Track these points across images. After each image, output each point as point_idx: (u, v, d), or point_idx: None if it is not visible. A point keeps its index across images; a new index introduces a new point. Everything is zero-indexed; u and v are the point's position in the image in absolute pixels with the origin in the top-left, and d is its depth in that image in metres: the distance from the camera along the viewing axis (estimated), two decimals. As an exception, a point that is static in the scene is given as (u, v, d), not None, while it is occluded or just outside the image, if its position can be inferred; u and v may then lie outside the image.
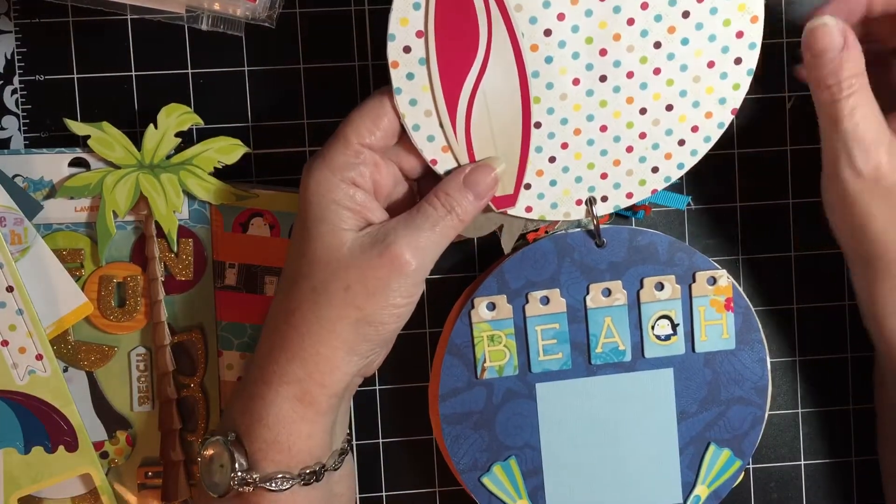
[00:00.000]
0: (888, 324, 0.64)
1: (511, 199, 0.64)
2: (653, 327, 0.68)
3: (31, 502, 0.69)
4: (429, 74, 0.60)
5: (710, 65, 0.63)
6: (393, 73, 0.60)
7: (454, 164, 0.63)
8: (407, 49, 0.60)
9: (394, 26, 0.59)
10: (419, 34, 0.59)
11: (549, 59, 0.61)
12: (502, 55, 0.60)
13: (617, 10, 0.60)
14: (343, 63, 0.69)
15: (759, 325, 0.68)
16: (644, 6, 0.61)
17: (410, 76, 0.60)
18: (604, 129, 0.63)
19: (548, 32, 0.61)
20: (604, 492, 0.69)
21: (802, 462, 0.74)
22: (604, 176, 0.65)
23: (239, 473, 0.60)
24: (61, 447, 0.68)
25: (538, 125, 0.63)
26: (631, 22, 0.61)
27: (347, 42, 0.69)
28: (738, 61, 0.62)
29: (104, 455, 0.70)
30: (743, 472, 0.70)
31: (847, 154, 0.61)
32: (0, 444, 0.68)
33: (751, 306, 0.68)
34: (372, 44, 0.69)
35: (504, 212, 0.65)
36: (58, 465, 0.68)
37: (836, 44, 0.59)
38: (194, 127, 0.68)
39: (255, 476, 0.60)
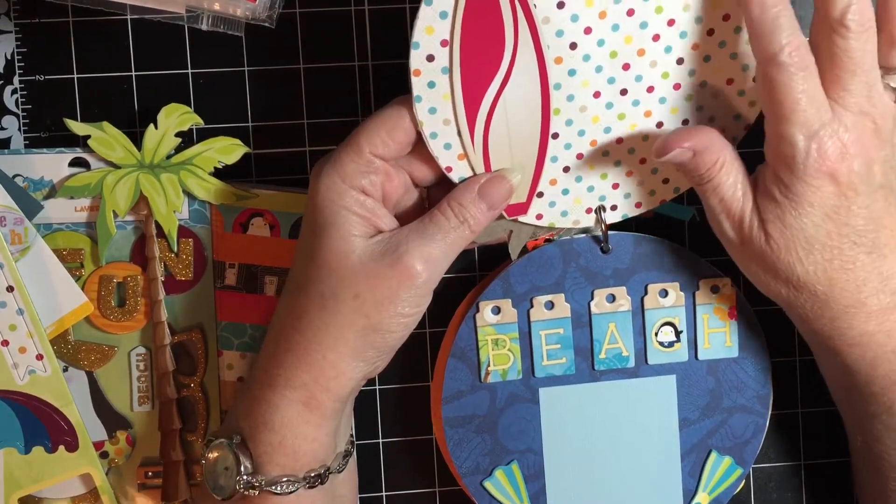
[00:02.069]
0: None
1: (523, 207, 0.64)
2: (656, 334, 0.68)
3: (31, 502, 0.69)
4: (451, 83, 0.60)
5: (730, 82, 0.62)
6: (414, 81, 0.59)
7: (469, 173, 0.62)
8: (430, 58, 0.59)
9: (419, 34, 0.58)
10: (444, 43, 0.59)
11: (572, 72, 0.61)
12: (526, 67, 0.60)
13: (644, 25, 0.60)
14: (343, 63, 0.69)
15: (763, 334, 0.68)
16: (671, 23, 0.60)
17: (432, 84, 0.60)
18: (620, 141, 0.63)
19: (573, 46, 0.60)
20: (605, 497, 0.69)
21: (802, 462, 0.74)
22: (615, 186, 0.65)
23: (244, 477, 0.60)
24: (61, 447, 0.68)
25: (556, 136, 0.62)
26: (656, 38, 0.61)
27: (347, 42, 0.68)
28: (755, 79, 0.62)
29: (104, 455, 0.70)
30: (744, 480, 0.70)
31: (718, 222, 0.62)
32: (0, 444, 0.68)
33: (754, 315, 0.68)
34: (372, 44, 0.68)
35: (515, 219, 0.64)
36: (58, 465, 0.68)
37: (686, 158, 0.61)
38: (194, 127, 0.68)
39: (260, 479, 0.60)
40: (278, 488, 0.60)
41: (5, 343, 0.67)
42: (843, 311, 0.61)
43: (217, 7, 0.62)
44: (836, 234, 0.59)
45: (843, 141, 0.58)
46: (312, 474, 0.61)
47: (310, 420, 0.61)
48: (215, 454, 0.62)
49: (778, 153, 0.59)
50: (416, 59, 0.59)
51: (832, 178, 0.58)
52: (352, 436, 0.67)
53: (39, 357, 0.67)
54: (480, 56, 0.59)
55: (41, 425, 0.68)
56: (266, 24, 0.63)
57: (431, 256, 0.60)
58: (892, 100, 0.59)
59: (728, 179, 0.61)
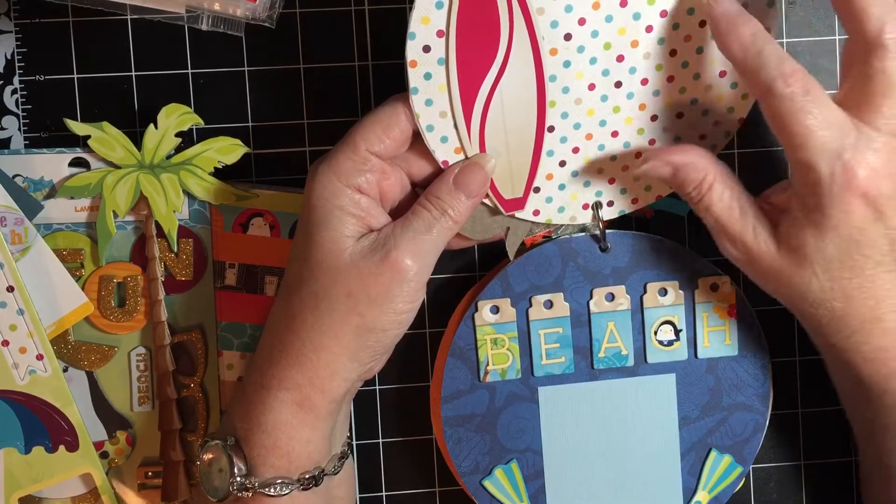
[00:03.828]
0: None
1: (520, 202, 0.64)
2: (655, 332, 0.68)
3: (31, 502, 0.69)
4: (447, 75, 0.60)
5: (722, 74, 0.63)
6: (410, 72, 0.60)
7: None
8: (426, 48, 0.59)
9: (415, 25, 0.59)
10: (440, 34, 0.59)
11: (567, 64, 0.61)
12: (522, 58, 0.60)
13: (637, 16, 0.60)
14: (343, 63, 0.69)
15: (762, 332, 0.68)
16: (663, 14, 0.61)
17: (428, 76, 0.60)
18: (615, 134, 0.63)
19: (568, 37, 0.60)
20: (605, 496, 0.69)
21: (802, 462, 0.74)
22: (611, 181, 0.65)
23: (238, 478, 0.60)
24: (62, 447, 0.68)
25: (551, 129, 0.62)
26: (649, 29, 0.61)
27: (347, 42, 0.68)
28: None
29: (104, 455, 0.69)
30: (744, 479, 0.70)
31: (720, 242, 0.62)
32: (1, 444, 0.68)
33: (754, 313, 0.68)
34: (372, 44, 0.68)
35: (512, 215, 0.64)
36: (58, 464, 0.68)
37: (665, 172, 0.61)
38: (194, 127, 0.68)
39: (254, 481, 0.60)
40: (272, 490, 0.60)
41: (6, 343, 0.67)
42: (859, 327, 0.60)
43: (217, 7, 0.62)
44: (857, 254, 0.58)
45: (870, 163, 0.56)
46: (307, 476, 0.61)
47: (304, 421, 0.61)
48: (210, 455, 0.62)
49: (801, 179, 0.58)
50: (412, 50, 0.59)
51: (860, 201, 0.57)
52: (349, 437, 0.67)
53: (40, 357, 0.67)
54: (476, 47, 0.59)
55: (41, 425, 0.68)
56: (266, 24, 0.63)
57: (419, 251, 0.60)
58: None
59: (721, 200, 0.60)
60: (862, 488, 0.71)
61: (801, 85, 0.56)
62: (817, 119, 0.56)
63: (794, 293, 0.60)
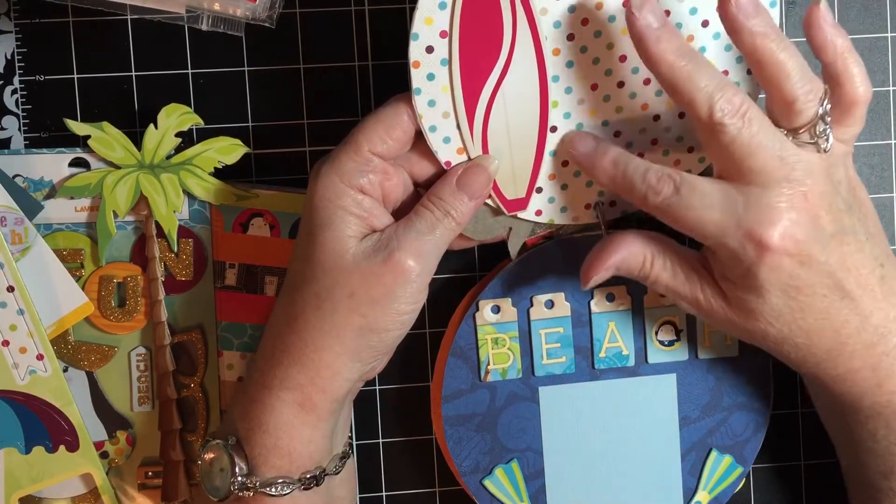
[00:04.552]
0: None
1: (523, 203, 0.64)
2: (656, 333, 0.68)
3: (31, 502, 0.69)
4: (450, 75, 0.60)
5: (725, 74, 0.63)
6: (414, 73, 0.60)
7: None
8: (430, 49, 0.59)
9: (418, 25, 0.59)
10: (443, 34, 0.59)
11: (569, 64, 0.61)
12: (525, 58, 0.60)
13: None
14: (343, 63, 0.69)
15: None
16: (666, 13, 0.60)
17: (431, 77, 0.60)
18: (617, 134, 0.63)
19: (571, 37, 0.60)
20: (605, 496, 0.69)
21: (802, 462, 0.74)
22: None
23: (239, 478, 0.60)
24: (62, 447, 0.68)
25: (554, 129, 0.62)
26: None
27: (347, 42, 0.68)
28: (750, 72, 0.63)
29: (104, 455, 0.69)
30: (744, 479, 0.70)
31: (676, 303, 0.63)
32: (1, 444, 0.68)
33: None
34: (372, 44, 0.68)
35: (514, 215, 0.64)
36: (58, 464, 0.68)
37: (608, 275, 0.62)
38: (194, 127, 0.68)
39: (255, 481, 0.60)
40: (273, 490, 0.60)
41: (6, 343, 0.67)
42: (825, 356, 0.61)
43: (217, 7, 0.62)
44: (802, 296, 0.59)
45: (773, 219, 0.57)
46: (308, 476, 0.61)
47: (305, 421, 0.61)
48: (211, 455, 0.62)
49: (721, 255, 0.59)
50: (415, 51, 0.59)
51: (780, 257, 0.57)
52: (350, 437, 0.67)
53: (40, 357, 0.67)
54: (479, 47, 0.59)
55: (41, 425, 0.68)
56: (266, 24, 0.63)
57: (422, 251, 0.60)
58: (813, 151, 0.58)
59: (664, 272, 0.62)
60: (848, 497, 0.71)
61: (670, 186, 0.58)
62: (699, 208, 0.58)
63: (756, 338, 0.62)
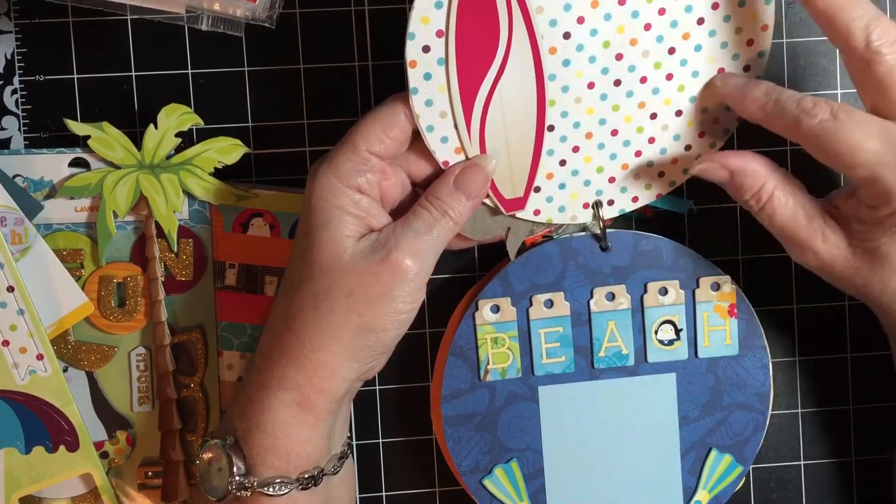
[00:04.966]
0: None
1: (521, 202, 0.64)
2: (656, 332, 0.68)
3: (31, 502, 0.69)
4: (447, 75, 0.60)
5: (721, 72, 0.63)
6: (410, 72, 0.60)
7: None
8: (426, 49, 0.59)
9: (414, 25, 0.59)
10: (439, 34, 0.59)
11: (566, 62, 0.61)
12: (521, 57, 0.60)
13: (635, 14, 0.61)
14: (343, 63, 0.69)
15: (763, 332, 0.68)
16: (661, 12, 0.61)
17: (428, 76, 0.60)
18: (615, 133, 0.63)
19: (567, 35, 0.60)
20: (605, 495, 0.69)
21: (802, 462, 0.74)
22: (611, 180, 0.65)
23: (237, 478, 0.60)
24: (62, 447, 0.68)
25: (551, 128, 0.62)
26: (648, 27, 0.61)
27: (347, 42, 0.68)
28: (746, 69, 0.63)
29: (104, 455, 0.70)
30: (744, 478, 0.70)
31: (789, 250, 0.62)
32: (1, 444, 0.68)
33: (754, 313, 0.68)
34: (372, 44, 0.68)
35: (513, 214, 0.64)
36: (58, 464, 0.68)
37: (720, 175, 0.61)
38: (194, 127, 0.68)
39: (253, 481, 0.60)
40: (271, 490, 0.60)
41: (6, 343, 0.67)
42: None
43: (217, 7, 0.62)
44: None
45: None
46: (306, 476, 0.61)
47: (304, 421, 0.61)
48: (209, 455, 0.62)
49: (869, 193, 0.58)
50: (411, 50, 0.59)
51: None
52: (349, 437, 0.67)
53: (40, 357, 0.67)
54: (476, 47, 0.59)
55: (41, 425, 0.68)
56: (266, 24, 0.63)
57: (420, 251, 0.60)
58: None
59: (784, 208, 0.60)
60: None
61: (827, 110, 0.57)
62: (857, 134, 0.56)
63: (872, 291, 0.60)
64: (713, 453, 0.69)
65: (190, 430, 0.70)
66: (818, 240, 0.60)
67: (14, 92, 0.68)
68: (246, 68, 0.68)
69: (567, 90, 0.62)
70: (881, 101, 0.57)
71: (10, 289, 0.66)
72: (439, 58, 0.59)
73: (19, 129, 0.68)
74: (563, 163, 0.64)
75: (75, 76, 0.68)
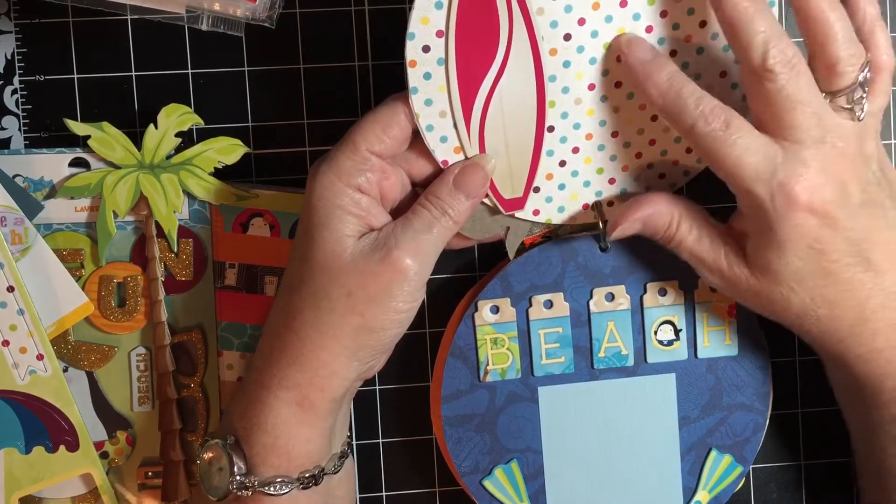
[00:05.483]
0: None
1: (520, 202, 0.64)
2: (655, 332, 0.68)
3: (31, 502, 0.69)
4: (446, 75, 0.60)
5: (723, 75, 0.63)
6: (410, 72, 0.60)
7: None
8: (426, 49, 0.59)
9: (414, 25, 0.59)
10: (439, 34, 0.59)
11: (566, 64, 0.61)
12: (521, 58, 0.60)
13: (637, 17, 0.60)
14: (343, 63, 0.69)
15: (762, 332, 0.68)
16: (663, 14, 0.61)
17: (427, 76, 0.60)
18: (615, 134, 0.63)
19: (567, 37, 0.60)
20: (605, 496, 0.69)
21: (802, 462, 0.74)
22: (611, 181, 0.65)
23: (237, 477, 0.60)
24: (62, 447, 0.68)
25: (551, 129, 0.62)
26: (650, 29, 0.61)
27: (347, 42, 0.68)
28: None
29: (104, 455, 0.69)
30: (744, 479, 0.70)
31: (699, 273, 0.63)
32: (1, 444, 0.68)
33: (754, 313, 0.68)
34: (372, 44, 0.68)
35: (512, 214, 0.64)
36: (59, 464, 0.68)
37: (635, 229, 0.63)
38: (194, 127, 0.68)
39: (253, 480, 0.60)
40: (271, 489, 0.60)
41: (6, 343, 0.67)
42: (849, 332, 0.61)
43: (217, 7, 0.62)
44: (825, 262, 0.59)
45: (803, 176, 0.57)
46: (306, 475, 0.61)
47: (304, 421, 0.61)
48: (210, 454, 0.62)
49: (746, 204, 0.59)
50: (411, 50, 0.59)
51: (806, 215, 0.57)
52: (349, 437, 0.67)
53: (40, 357, 0.67)
54: (476, 47, 0.59)
55: (42, 425, 0.68)
56: (266, 24, 0.63)
57: (420, 250, 0.60)
58: (847, 118, 0.59)
59: (689, 235, 0.62)
60: (857, 488, 0.71)
61: (722, 119, 0.58)
62: (742, 148, 0.58)
63: (777, 309, 0.61)
64: (713, 453, 0.69)
65: (190, 430, 0.70)
66: (722, 262, 0.61)
67: (14, 92, 0.68)
68: (246, 68, 0.68)
69: (567, 91, 0.62)
70: (767, 117, 0.58)
71: (10, 289, 0.66)
72: (439, 58, 0.59)
73: (19, 129, 0.68)
74: (562, 163, 0.64)
75: (75, 76, 0.68)
